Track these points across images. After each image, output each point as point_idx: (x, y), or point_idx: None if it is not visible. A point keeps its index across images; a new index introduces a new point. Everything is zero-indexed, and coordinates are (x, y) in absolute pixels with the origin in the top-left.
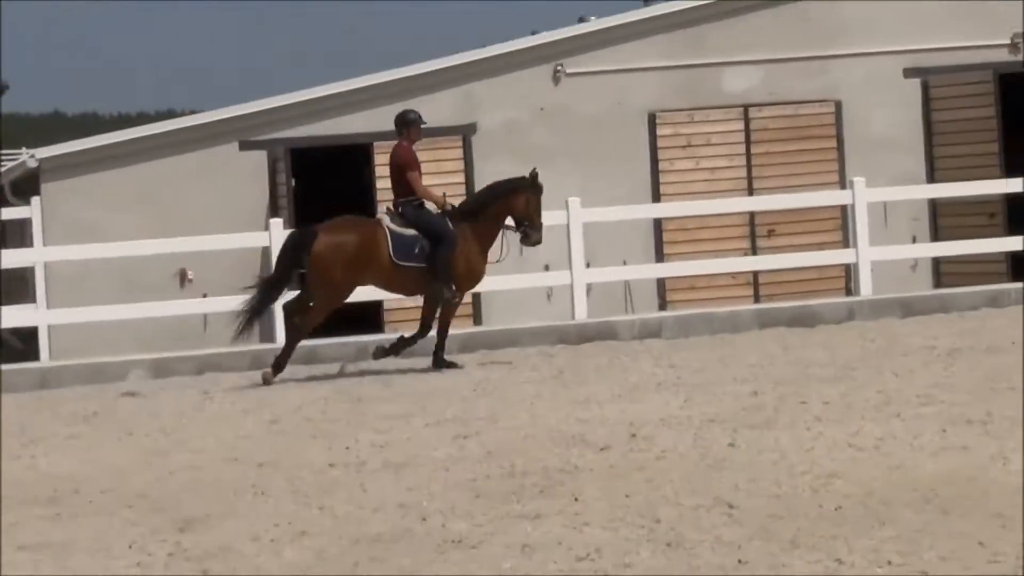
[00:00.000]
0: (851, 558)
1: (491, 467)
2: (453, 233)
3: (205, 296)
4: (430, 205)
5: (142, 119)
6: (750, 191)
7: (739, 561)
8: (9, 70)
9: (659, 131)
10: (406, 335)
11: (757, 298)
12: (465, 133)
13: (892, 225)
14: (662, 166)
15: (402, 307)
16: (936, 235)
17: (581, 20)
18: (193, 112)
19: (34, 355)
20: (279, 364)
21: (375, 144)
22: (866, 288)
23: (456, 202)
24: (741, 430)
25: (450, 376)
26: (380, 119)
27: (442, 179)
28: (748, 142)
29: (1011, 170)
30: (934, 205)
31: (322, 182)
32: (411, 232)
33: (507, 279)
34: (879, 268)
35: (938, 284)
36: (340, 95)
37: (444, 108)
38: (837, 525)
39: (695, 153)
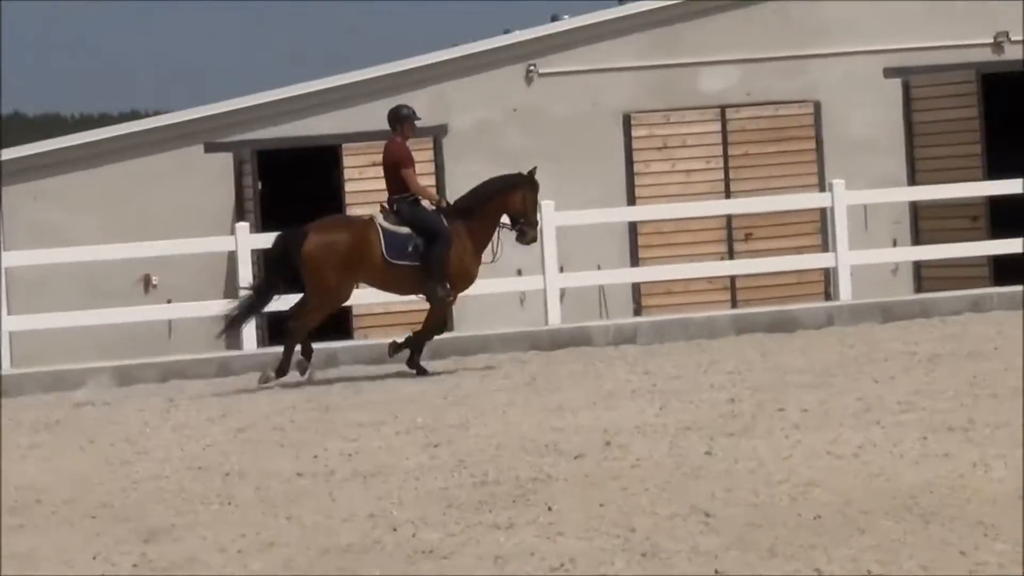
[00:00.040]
0: (830, 568)
1: (463, 476)
2: (448, 231)
3: (170, 302)
4: (425, 202)
5: (105, 120)
6: (727, 194)
7: (716, 571)
8: None
9: (634, 132)
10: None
11: (734, 303)
12: (436, 134)
13: (872, 228)
14: (637, 168)
15: (371, 313)
16: (917, 238)
17: (554, 19)
18: (158, 113)
19: None
20: (282, 369)
21: (344, 146)
22: (846, 293)
23: (452, 198)
24: (718, 438)
25: (421, 383)
26: (348, 120)
27: None
28: (725, 143)
29: (994, 172)
30: (915, 208)
31: (289, 185)
32: (404, 230)
33: (479, 284)
34: (859, 272)
35: (919, 288)
36: (308, 96)
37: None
38: (816, 534)
39: (671, 155)
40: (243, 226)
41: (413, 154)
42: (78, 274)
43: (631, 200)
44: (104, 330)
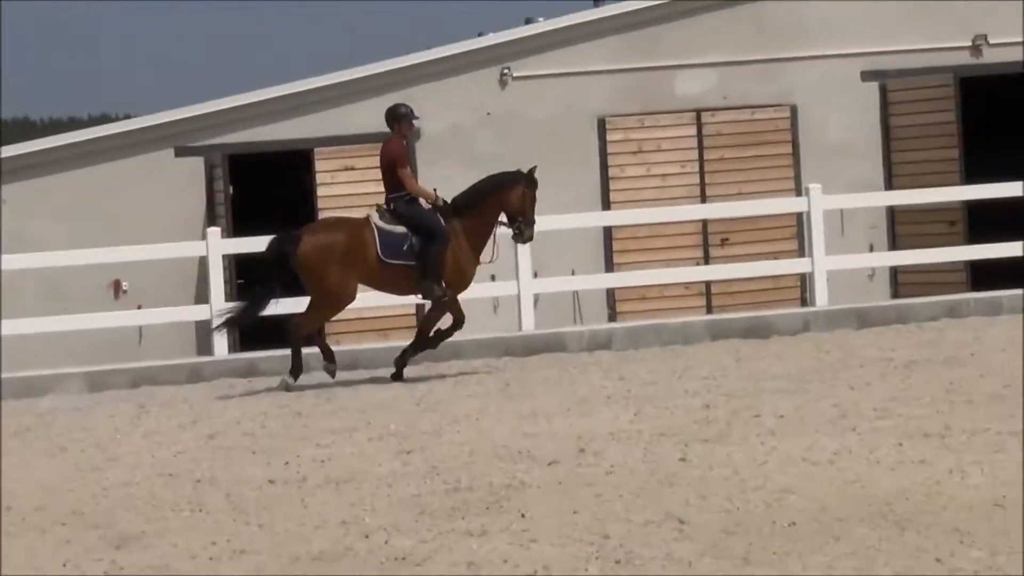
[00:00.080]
0: (805, 575)
1: (436, 483)
2: (445, 229)
3: (140, 307)
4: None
5: (74, 124)
6: (703, 198)
7: None
8: None
9: (609, 136)
10: (442, 328)
11: (710, 309)
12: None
13: (849, 233)
14: (612, 172)
15: (344, 319)
16: (894, 243)
17: (529, 21)
18: (128, 117)
19: None
20: (296, 368)
21: (316, 150)
22: (822, 298)
23: (449, 197)
24: (692, 444)
25: (393, 389)
26: (320, 124)
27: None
28: (701, 148)
29: (972, 176)
30: (892, 212)
31: (261, 189)
32: (400, 229)
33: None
34: (835, 277)
35: (896, 294)
36: (279, 99)
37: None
38: (791, 541)
39: (646, 159)
40: (214, 231)
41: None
42: (47, 280)
43: (606, 205)
44: (74, 336)
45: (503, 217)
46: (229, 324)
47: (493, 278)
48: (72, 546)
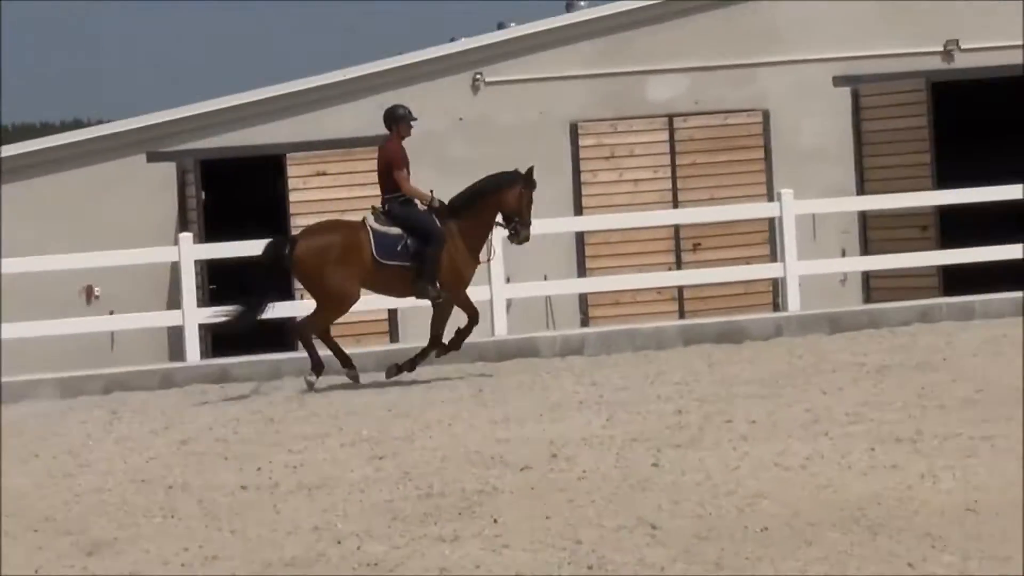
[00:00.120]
0: None
1: (408, 488)
2: (441, 230)
3: (112, 313)
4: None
5: (46, 130)
6: (675, 203)
7: None
8: None
9: (581, 142)
10: (460, 327)
11: (682, 314)
12: (380, 144)
13: (821, 238)
14: (584, 178)
15: None
16: (866, 248)
17: (501, 26)
18: (100, 122)
19: None
20: (316, 365)
21: (288, 155)
22: (794, 303)
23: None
24: (665, 449)
25: (365, 395)
26: (293, 129)
27: (356, 191)
28: (673, 153)
29: (944, 181)
30: (864, 217)
31: (233, 195)
32: (395, 231)
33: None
34: (807, 282)
35: (868, 298)
36: (251, 104)
37: (358, 118)
38: (763, 546)
39: (618, 164)
40: (186, 236)
41: (355, 164)
42: (18, 285)
43: (578, 210)
44: (45, 341)
45: (500, 218)
46: (227, 328)
47: None
48: (44, 552)
